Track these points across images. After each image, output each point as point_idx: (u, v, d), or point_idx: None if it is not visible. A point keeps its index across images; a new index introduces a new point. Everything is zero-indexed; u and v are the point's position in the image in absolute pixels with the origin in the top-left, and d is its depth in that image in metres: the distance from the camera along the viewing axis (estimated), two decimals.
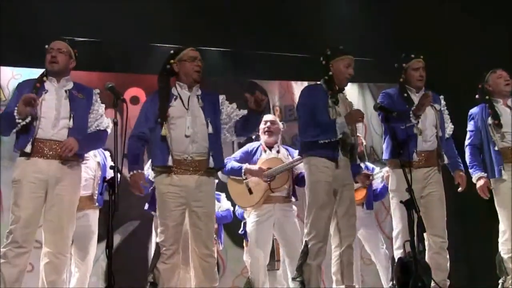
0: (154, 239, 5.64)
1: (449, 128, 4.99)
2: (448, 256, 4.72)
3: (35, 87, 4.24)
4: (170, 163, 4.19)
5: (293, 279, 4.64)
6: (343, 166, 4.61)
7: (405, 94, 4.81)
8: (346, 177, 4.66)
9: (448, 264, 4.71)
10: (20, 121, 4.11)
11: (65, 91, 4.33)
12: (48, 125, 4.20)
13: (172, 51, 4.44)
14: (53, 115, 4.22)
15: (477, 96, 5.27)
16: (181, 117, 4.27)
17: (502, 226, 5.05)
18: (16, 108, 4.10)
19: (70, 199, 4.29)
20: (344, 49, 4.71)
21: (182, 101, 4.31)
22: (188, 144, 4.23)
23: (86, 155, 4.97)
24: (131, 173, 4.23)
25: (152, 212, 5.62)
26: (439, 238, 4.68)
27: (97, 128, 4.45)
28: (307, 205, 4.60)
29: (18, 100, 4.14)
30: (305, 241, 4.54)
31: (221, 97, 4.54)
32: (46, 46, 4.38)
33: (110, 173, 4.47)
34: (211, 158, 4.28)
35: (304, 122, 4.64)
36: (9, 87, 6.67)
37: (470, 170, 5.13)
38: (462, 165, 5.03)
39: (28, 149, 4.14)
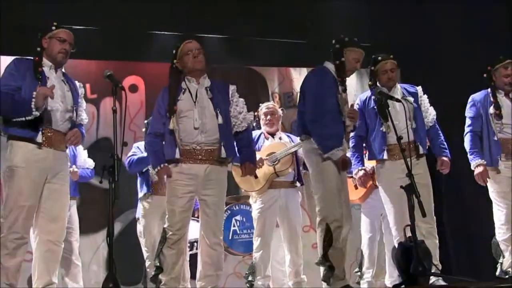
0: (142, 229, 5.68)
1: (431, 116, 4.99)
2: (437, 241, 4.77)
3: (38, 71, 4.12)
4: (177, 155, 4.24)
5: (319, 264, 4.45)
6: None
7: (373, 97, 4.86)
8: None
9: (437, 249, 4.76)
10: (36, 113, 3.98)
11: (63, 82, 4.28)
12: (56, 115, 4.15)
13: (174, 51, 4.42)
14: (60, 106, 4.17)
15: (484, 75, 5.27)
16: (190, 110, 4.29)
17: (497, 214, 5.15)
18: (33, 99, 3.92)
19: (67, 188, 4.30)
20: (359, 42, 4.65)
21: (191, 94, 4.33)
22: (197, 135, 4.26)
23: None
24: (157, 169, 4.26)
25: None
26: (426, 224, 4.68)
27: (81, 122, 4.42)
28: (318, 189, 4.45)
29: (15, 77, 4.04)
30: (327, 224, 4.35)
31: (232, 88, 4.53)
32: (54, 28, 4.23)
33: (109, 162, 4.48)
34: (222, 149, 4.30)
35: (313, 109, 4.44)
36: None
37: (470, 157, 5.16)
38: (447, 150, 5.01)
39: (39, 138, 4.06)
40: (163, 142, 4.35)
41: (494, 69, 5.23)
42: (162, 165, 4.25)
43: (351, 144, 5.06)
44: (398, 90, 4.95)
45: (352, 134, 4.95)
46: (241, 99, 4.55)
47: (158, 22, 7.02)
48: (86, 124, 4.54)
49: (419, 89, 5.05)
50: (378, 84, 4.93)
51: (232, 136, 4.43)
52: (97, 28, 6.77)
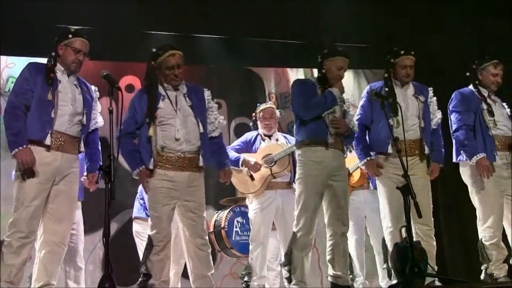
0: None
1: (437, 118, 4.96)
2: (434, 243, 4.75)
3: (50, 77, 4.15)
4: (151, 166, 4.24)
5: (282, 265, 4.72)
6: (334, 154, 4.61)
7: (386, 89, 4.82)
8: (338, 166, 4.66)
9: (435, 251, 4.75)
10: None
11: (75, 85, 4.31)
12: (64, 118, 4.17)
13: (154, 49, 4.38)
14: (69, 109, 4.20)
15: (468, 74, 5.20)
16: (172, 118, 4.30)
17: (480, 214, 5.02)
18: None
19: (75, 190, 4.32)
20: (341, 50, 4.70)
21: (171, 102, 4.33)
22: (181, 144, 4.28)
23: None
24: (137, 170, 4.24)
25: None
26: (424, 226, 4.69)
27: (95, 126, 4.49)
28: (297, 196, 4.65)
29: (28, 82, 4.10)
30: (294, 232, 4.61)
31: (207, 94, 4.56)
32: (70, 36, 4.25)
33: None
34: (201, 157, 4.33)
35: (303, 101, 4.60)
36: (3, 76, 6.66)
37: (468, 150, 4.95)
38: (443, 157, 4.95)
39: (48, 141, 4.09)
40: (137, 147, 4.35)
41: (481, 67, 5.14)
42: (142, 167, 4.25)
43: (355, 135, 4.92)
44: (411, 87, 4.92)
45: (357, 123, 4.91)
46: (215, 105, 4.61)
47: (155, 22, 7.02)
48: None
49: (430, 90, 5.00)
50: (393, 77, 4.86)
51: (208, 144, 4.46)
52: (93, 28, 6.76)
